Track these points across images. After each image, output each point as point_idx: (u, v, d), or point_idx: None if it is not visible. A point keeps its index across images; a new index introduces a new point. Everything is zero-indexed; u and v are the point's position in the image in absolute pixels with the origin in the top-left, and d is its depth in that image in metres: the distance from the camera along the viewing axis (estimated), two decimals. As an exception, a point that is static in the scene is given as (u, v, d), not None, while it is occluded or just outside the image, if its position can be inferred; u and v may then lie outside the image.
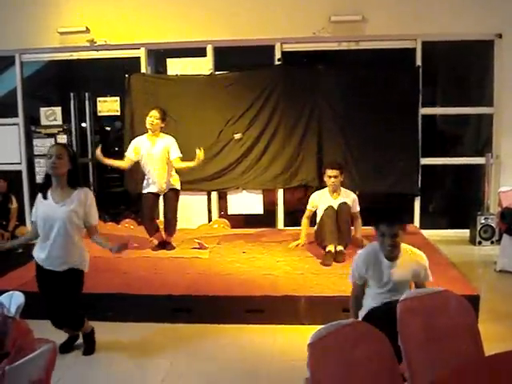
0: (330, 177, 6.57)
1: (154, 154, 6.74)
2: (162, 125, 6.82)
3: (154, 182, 6.81)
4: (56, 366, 2.47)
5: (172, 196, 6.90)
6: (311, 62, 8.77)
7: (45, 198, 4.18)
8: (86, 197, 4.21)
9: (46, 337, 2.76)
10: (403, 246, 3.86)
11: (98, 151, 6.65)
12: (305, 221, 6.85)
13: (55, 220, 4.11)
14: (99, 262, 5.80)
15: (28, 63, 9.04)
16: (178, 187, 6.98)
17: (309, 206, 6.78)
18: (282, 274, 5.81)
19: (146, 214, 7.04)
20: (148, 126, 6.74)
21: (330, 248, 6.26)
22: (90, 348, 4.48)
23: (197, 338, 4.75)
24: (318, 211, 6.71)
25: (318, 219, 6.70)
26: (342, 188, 6.72)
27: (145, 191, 6.92)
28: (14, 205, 7.94)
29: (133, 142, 6.95)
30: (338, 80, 8.28)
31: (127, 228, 8.45)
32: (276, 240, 7.45)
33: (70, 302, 4.25)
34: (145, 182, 6.94)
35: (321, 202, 6.67)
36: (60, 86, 10.09)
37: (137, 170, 8.44)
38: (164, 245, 6.98)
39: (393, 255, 3.78)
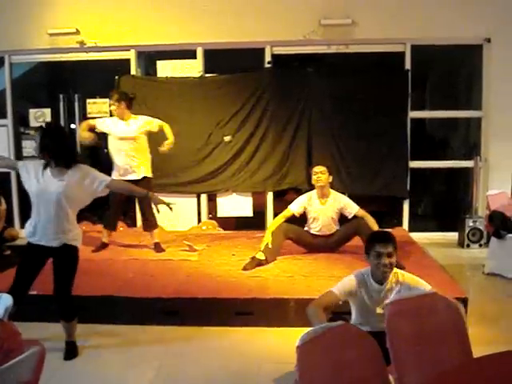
0: (315, 173, 6.47)
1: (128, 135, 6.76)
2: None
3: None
4: (44, 368, 2.47)
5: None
6: (301, 64, 8.78)
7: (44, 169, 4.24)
8: (81, 170, 4.27)
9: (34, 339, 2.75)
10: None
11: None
12: (274, 221, 6.60)
13: (52, 194, 4.16)
14: (88, 264, 5.78)
15: (17, 64, 8.99)
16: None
17: (294, 207, 6.53)
18: (271, 276, 5.81)
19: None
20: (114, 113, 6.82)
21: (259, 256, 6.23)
22: (71, 352, 4.44)
23: (185, 341, 4.75)
24: (307, 215, 6.67)
25: (310, 222, 6.66)
26: (331, 191, 6.64)
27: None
28: (3, 206, 7.88)
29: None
30: (327, 83, 8.30)
31: (116, 230, 8.40)
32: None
33: (64, 281, 4.31)
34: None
35: (309, 205, 6.61)
36: (49, 87, 10.05)
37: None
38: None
39: (386, 276, 3.75)
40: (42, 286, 4.52)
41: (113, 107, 6.77)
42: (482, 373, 2.20)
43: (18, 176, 4.30)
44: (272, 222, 6.68)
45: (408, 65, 8.29)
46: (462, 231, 7.97)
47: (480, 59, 8.32)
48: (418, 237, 7.85)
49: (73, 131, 9.13)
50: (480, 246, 7.84)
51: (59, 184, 4.17)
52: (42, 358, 2.45)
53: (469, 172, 8.45)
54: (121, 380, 4.09)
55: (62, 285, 4.31)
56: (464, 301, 4.75)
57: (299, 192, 7.52)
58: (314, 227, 6.62)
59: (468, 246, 7.89)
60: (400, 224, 8.49)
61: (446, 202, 9.90)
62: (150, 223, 6.95)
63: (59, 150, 4.20)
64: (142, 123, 6.82)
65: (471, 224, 7.90)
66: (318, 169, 6.49)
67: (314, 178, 6.51)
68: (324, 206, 6.57)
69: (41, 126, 4.60)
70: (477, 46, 8.30)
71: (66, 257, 4.33)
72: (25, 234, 4.38)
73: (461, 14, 8.00)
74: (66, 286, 4.33)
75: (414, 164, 8.44)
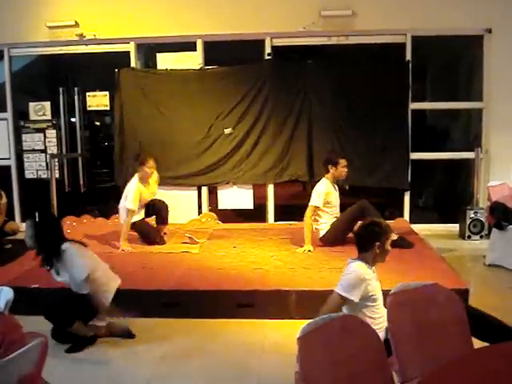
0: (345, 166, 6.70)
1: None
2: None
3: None
4: (46, 360, 2.47)
5: None
6: (301, 56, 8.77)
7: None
8: (65, 258, 4.32)
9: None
10: None
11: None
12: (310, 221, 6.59)
13: None
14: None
15: (17, 57, 8.97)
16: None
17: (318, 201, 6.57)
18: (273, 268, 5.82)
19: None
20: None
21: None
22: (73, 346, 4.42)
23: (186, 333, 4.75)
24: (324, 206, 6.65)
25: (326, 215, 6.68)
26: None
27: None
28: (4, 200, 7.87)
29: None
30: (327, 75, 8.28)
31: (117, 223, 8.40)
32: (266, 235, 7.46)
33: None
34: None
35: (329, 195, 6.68)
36: (49, 80, 10.03)
37: (126, 165, 8.48)
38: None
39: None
40: (43, 280, 4.53)
41: (152, 169, 6.96)
42: (483, 364, 2.20)
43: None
44: (307, 227, 6.60)
45: (409, 56, 8.26)
46: (463, 223, 7.96)
47: (481, 50, 8.29)
48: (419, 228, 7.85)
49: (73, 124, 9.14)
50: (481, 237, 7.83)
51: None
52: (44, 350, 2.46)
53: (470, 163, 8.42)
54: (122, 372, 4.10)
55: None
56: (465, 292, 4.76)
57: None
58: (335, 213, 6.74)
59: (469, 237, 7.88)
60: (401, 215, 8.48)
61: (447, 194, 9.89)
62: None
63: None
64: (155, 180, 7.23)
65: (472, 215, 7.88)
66: (345, 162, 6.74)
67: (341, 170, 6.70)
68: (337, 192, 6.78)
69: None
70: (478, 37, 8.26)
71: None
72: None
73: (462, 5, 7.96)
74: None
75: (414, 156, 8.42)
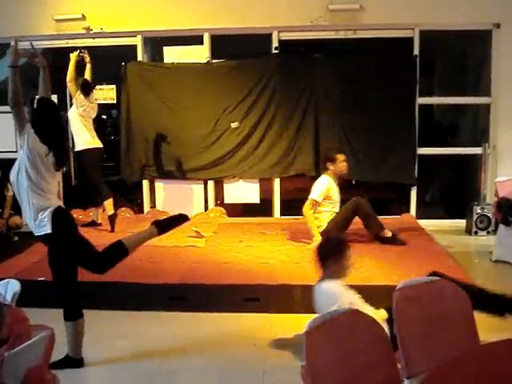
0: (343, 161, 6.71)
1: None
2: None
3: None
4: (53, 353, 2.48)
5: None
6: (308, 50, 8.75)
7: None
8: None
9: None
10: None
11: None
12: (310, 213, 6.58)
13: None
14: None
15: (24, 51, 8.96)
16: None
17: (319, 196, 6.59)
18: (279, 262, 5.83)
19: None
20: None
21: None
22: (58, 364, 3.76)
23: (192, 327, 4.76)
24: (327, 199, 6.66)
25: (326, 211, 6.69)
26: None
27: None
28: (10, 192, 7.89)
29: None
30: (335, 69, 8.25)
31: (123, 216, 8.43)
32: (272, 229, 7.45)
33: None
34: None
35: (331, 191, 6.68)
36: (56, 73, 9.99)
37: (133, 158, 8.49)
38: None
39: None
40: (50, 273, 4.53)
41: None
42: (489, 359, 2.19)
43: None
44: (311, 219, 6.60)
45: (416, 50, 8.22)
46: (470, 218, 7.93)
47: (489, 45, 8.24)
48: (425, 224, 7.83)
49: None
50: (488, 233, 7.80)
51: None
52: (51, 343, 2.46)
53: (477, 159, 8.39)
54: (128, 366, 4.12)
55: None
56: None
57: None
58: (335, 209, 6.75)
59: (476, 233, 7.85)
60: (408, 211, 8.46)
61: (454, 189, 9.85)
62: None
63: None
64: None
65: (479, 211, 7.85)
66: (343, 157, 6.75)
67: (341, 165, 6.72)
68: (337, 187, 6.78)
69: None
70: (486, 32, 8.21)
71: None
72: None
73: (470, -1, 7.93)
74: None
75: (421, 151, 8.39)
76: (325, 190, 6.62)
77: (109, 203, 7.39)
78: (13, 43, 3.93)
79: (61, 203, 4.00)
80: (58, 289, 4.04)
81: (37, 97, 4.06)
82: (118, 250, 4.08)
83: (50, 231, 3.80)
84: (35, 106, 3.93)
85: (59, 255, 3.93)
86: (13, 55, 3.83)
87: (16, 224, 7.79)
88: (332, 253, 3.88)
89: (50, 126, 3.95)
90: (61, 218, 3.87)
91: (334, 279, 3.80)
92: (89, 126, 7.40)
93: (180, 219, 4.29)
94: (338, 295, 3.65)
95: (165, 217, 4.35)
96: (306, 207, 6.56)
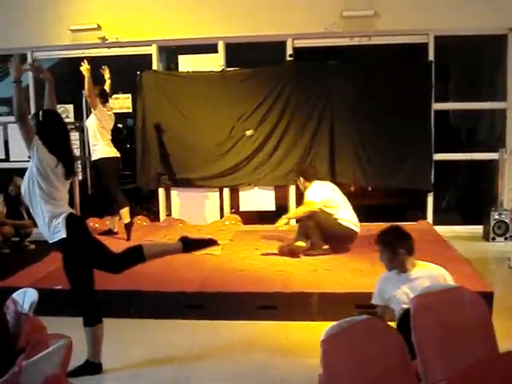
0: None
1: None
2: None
3: None
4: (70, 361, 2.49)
5: None
6: (323, 57, 8.75)
7: None
8: None
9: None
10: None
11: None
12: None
13: None
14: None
15: (40, 61, 9.04)
16: None
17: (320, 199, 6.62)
18: (295, 270, 5.81)
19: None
20: None
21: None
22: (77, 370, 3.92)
23: (209, 334, 4.76)
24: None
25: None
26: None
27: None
28: None
29: None
30: (349, 76, 8.24)
31: (140, 225, 8.46)
32: (288, 237, 7.43)
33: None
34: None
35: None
36: (72, 83, 10.11)
37: (148, 167, 8.53)
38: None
39: None
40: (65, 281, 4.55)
41: None
42: (508, 367, 2.18)
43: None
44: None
45: (431, 56, 8.19)
46: (487, 224, 7.87)
47: (504, 49, 8.19)
48: (442, 230, 7.78)
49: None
50: (505, 239, 7.74)
51: None
52: (68, 352, 2.47)
53: (494, 164, 8.33)
54: (145, 373, 4.12)
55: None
56: (489, 294, 4.70)
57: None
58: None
59: (493, 239, 7.79)
60: (424, 217, 8.40)
61: (471, 195, 9.78)
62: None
63: None
64: None
65: (496, 217, 7.79)
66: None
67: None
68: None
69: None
70: (501, 36, 8.17)
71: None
72: None
73: (485, 4, 7.87)
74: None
75: (437, 156, 8.35)
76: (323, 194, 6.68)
77: (125, 212, 7.41)
78: (14, 58, 3.96)
79: (72, 210, 4.07)
80: (76, 294, 4.07)
81: (42, 109, 4.13)
82: (136, 255, 4.11)
83: (64, 236, 3.84)
84: (41, 118, 3.98)
85: (75, 260, 3.96)
86: (15, 71, 3.87)
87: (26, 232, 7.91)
88: (405, 243, 3.82)
89: (56, 136, 4.00)
90: (74, 222, 3.93)
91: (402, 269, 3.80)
92: (106, 136, 7.45)
93: (209, 243, 4.33)
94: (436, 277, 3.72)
95: (194, 237, 4.32)
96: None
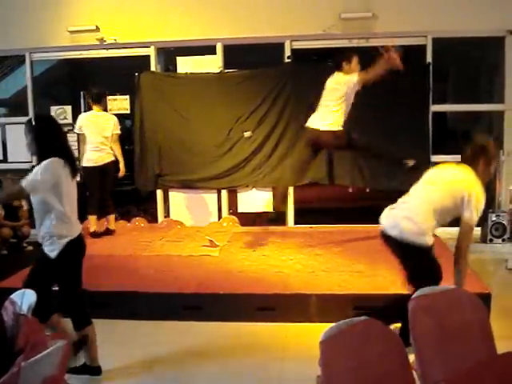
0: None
1: None
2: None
3: None
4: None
5: None
6: (321, 59, 8.75)
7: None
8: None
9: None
10: None
11: None
12: None
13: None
14: (109, 260, 5.83)
15: (38, 62, 9.05)
16: None
17: None
18: (293, 271, 5.81)
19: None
20: None
21: None
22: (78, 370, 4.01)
23: (207, 336, 4.76)
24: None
25: None
26: None
27: None
28: (25, 206, 7.93)
29: None
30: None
31: (138, 226, 8.47)
32: (286, 238, 7.44)
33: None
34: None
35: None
36: (70, 84, 10.13)
37: (146, 168, 8.53)
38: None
39: None
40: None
41: None
42: (506, 368, 2.18)
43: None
44: None
45: (429, 58, 8.20)
46: (485, 226, 7.88)
47: (502, 51, 8.20)
48: (440, 232, 7.69)
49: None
50: (503, 240, 7.74)
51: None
52: (67, 353, 2.47)
53: (491, 166, 8.32)
54: (143, 375, 4.12)
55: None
56: (487, 296, 4.72)
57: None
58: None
59: (491, 240, 7.79)
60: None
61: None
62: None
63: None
64: None
65: (494, 218, 7.80)
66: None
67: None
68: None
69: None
70: (499, 38, 8.18)
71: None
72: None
73: (483, 6, 7.88)
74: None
75: (435, 158, 8.34)
76: None
77: (92, 219, 7.59)
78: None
79: (79, 229, 4.02)
80: (63, 299, 4.05)
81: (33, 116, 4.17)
82: (81, 340, 3.99)
83: (53, 258, 3.83)
84: (33, 123, 3.93)
85: (44, 270, 3.95)
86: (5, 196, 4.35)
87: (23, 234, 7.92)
88: (485, 154, 3.75)
89: (54, 136, 3.96)
90: (71, 251, 3.90)
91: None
92: (93, 141, 7.54)
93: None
94: None
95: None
96: None
